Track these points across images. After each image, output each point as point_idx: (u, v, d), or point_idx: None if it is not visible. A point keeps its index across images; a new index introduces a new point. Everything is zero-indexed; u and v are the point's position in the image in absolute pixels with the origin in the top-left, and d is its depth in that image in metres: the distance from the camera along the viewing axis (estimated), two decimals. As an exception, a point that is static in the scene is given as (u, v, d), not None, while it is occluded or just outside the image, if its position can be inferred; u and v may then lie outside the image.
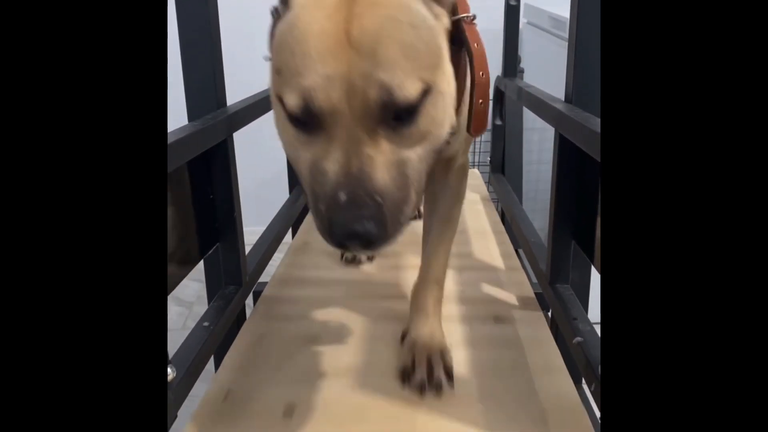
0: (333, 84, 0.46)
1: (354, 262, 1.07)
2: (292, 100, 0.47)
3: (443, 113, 0.52)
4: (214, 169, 0.84)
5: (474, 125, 0.63)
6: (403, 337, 0.79)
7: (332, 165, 0.47)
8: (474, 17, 0.64)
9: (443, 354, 0.74)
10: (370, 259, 1.07)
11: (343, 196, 0.45)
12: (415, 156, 0.50)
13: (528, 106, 1.10)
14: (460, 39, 0.60)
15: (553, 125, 0.87)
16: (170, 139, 0.67)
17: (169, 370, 0.58)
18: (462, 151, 0.75)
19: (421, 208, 0.86)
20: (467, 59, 0.61)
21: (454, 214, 0.79)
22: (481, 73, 0.61)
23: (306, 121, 0.48)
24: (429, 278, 0.78)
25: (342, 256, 1.06)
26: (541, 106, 0.95)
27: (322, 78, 0.46)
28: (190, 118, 0.84)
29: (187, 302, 2.05)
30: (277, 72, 0.49)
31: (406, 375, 0.73)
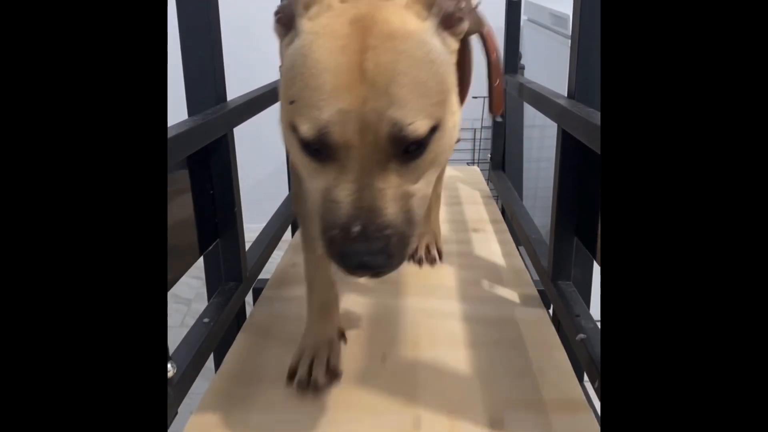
0: (347, 119, 0.47)
1: (310, 386, 0.73)
2: (308, 132, 0.48)
3: (447, 144, 0.53)
4: (214, 164, 0.83)
5: (496, 104, 0.66)
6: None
7: (345, 196, 0.48)
8: (477, 4, 0.64)
9: (437, 240, 0.95)
10: (332, 380, 0.75)
11: (356, 228, 0.47)
12: (419, 189, 0.52)
13: (529, 102, 1.09)
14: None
15: (555, 121, 0.87)
16: (170, 134, 0.67)
17: (169, 366, 0.58)
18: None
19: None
20: (470, 49, 0.61)
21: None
22: (494, 54, 0.62)
23: (320, 151, 0.49)
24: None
25: (292, 379, 0.74)
26: (543, 102, 0.95)
27: (337, 113, 0.47)
28: (190, 113, 0.84)
29: (186, 299, 2.05)
30: (290, 102, 0.50)
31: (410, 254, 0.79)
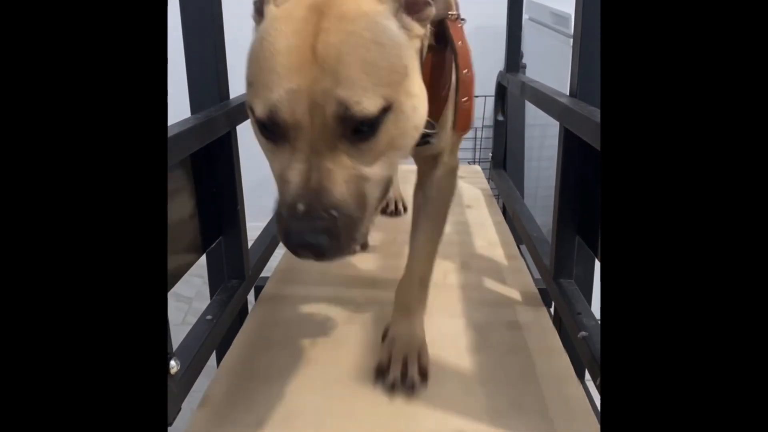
0: (297, 99, 0.47)
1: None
2: (260, 112, 0.49)
3: (405, 130, 0.53)
4: (217, 162, 0.83)
5: (459, 123, 0.64)
6: (385, 334, 0.78)
7: (294, 176, 0.49)
8: (458, 16, 0.64)
9: (420, 354, 0.73)
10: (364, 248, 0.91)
11: (300, 207, 0.47)
12: (375, 172, 0.51)
13: (531, 100, 1.10)
14: (445, 38, 0.61)
15: (557, 119, 0.87)
16: (173, 132, 0.67)
17: (172, 362, 0.58)
18: (450, 150, 0.75)
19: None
20: (453, 57, 0.61)
21: (442, 214, 0.79)
22: (465, 70, 0.63)
23: (273, 132, 0.50)
24: (413, 277, 0.78)
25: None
26: (545, 101, 0.95)
27: (286, 93, 0.47)
28: (192, 111, 0.84)
29: (187, 297, 2.05)
30: (249, 84, 0.52)
31: (380, 372, 0.72)
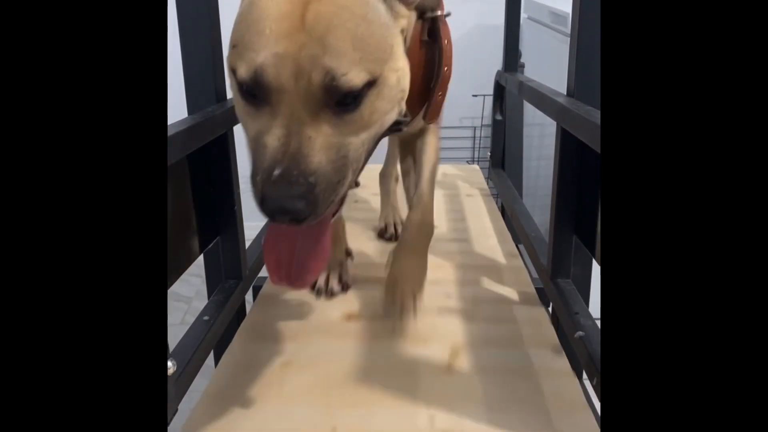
0: (283, 63, 0.48)
1: (327, 293, 0.95)
2: (244, 73, 0.49)
3: (387, 104, 0.54)
4: (214, 162, 0.83)
5: (431, 114, 0.68)
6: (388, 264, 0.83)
7: (273, 140, 0.49)
8: (449, 14, 0.68)
9: (415, 289, 0.80)
10: (345, 289, 0.96)
11: (277, 172, 0.47)
12: (354, 143, 0.52)
13: (529, 100, 1.09)
14: (435, 34, 0.64)
15: (554, 119, 0.87)
16: (170, 132, 0.67)
17: (169, 363, 0.58)
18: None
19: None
20: (440, 53, 0.65)
21: (434, 158, 0.84)
22: (446, 68, 0.66)
23: (255, 95, 0.50)
24: (416, 217, 0.82)
25: (314, 288, 0.94)
26: (543, 100, 0.95)
27: (273, 56, 0.48)
28: (189, 112, 0.84)
29: (186, 297, 2.05)
30: (233, 45, 0.52)
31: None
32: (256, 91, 0.50)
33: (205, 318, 0.76)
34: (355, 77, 0.49)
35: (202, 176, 0.81)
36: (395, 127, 0.61)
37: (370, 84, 0.50)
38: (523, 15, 1.64)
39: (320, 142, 0.49)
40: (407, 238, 0.82)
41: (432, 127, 0.82)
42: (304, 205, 0.47)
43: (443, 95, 0.68)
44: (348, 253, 0.98)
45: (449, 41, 0.66)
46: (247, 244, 0.94)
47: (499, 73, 1.49)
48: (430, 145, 0.83)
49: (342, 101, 0.49)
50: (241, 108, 0.53)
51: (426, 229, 0.83)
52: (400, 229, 1.14)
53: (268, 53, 0.48)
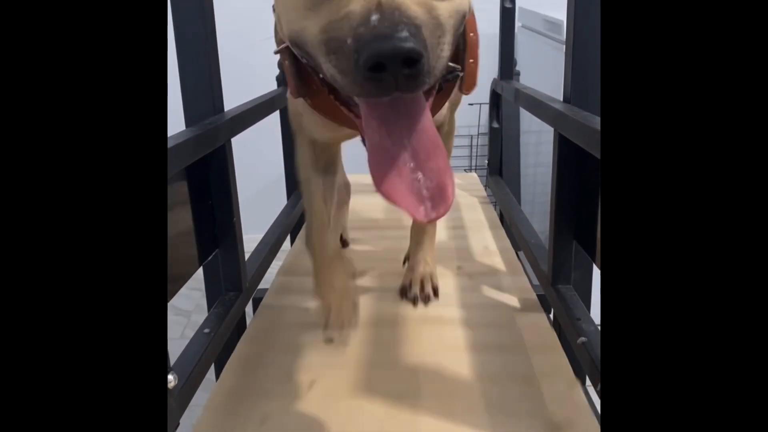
0: None
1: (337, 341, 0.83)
2: None
3: None
4: (213, 174, 0.83)
5: (467, 83, 0.62)
6: (405, 261, 1.02)
7: (358, 4, 0.41)
8: None
9: (432, 277, 0.97)
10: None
11: (375, 17, 0.39)
12: (443, 6, 0.45)
13: (526, 107, 1.10)
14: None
15: (552, 125, 0.87)
16: (168, 145, 0.67)
17: (170, 377, 0.58)
18: (448, 122, 0.85)
19: None
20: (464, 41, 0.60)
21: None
22: (471, 34, 0.59)
23: None
24: None
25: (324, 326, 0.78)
26: (540, 107, 0.95)
27: None
28: (187, 124, 0.84)
29: (185, 311, 2.04)
30: None
31: (404, 292, 0.97)
32: None
33: (206, 331, 0.76)
34: None
35: (200, 189, 0.81)
36: (451, 73, 0.55)
37: None
38: (517, 24, 1.65)
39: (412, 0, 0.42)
40: (416, 236, 0.96)
41: (451, 129, 0.88)
42: (416, 41, 0.39)
43: (475, 63, 0.61)
44: (352, 275, 0.99)
45: (476, 33, 0.61)
46: (247, 256, 0.94)
47: (494, 82, 1.50)
48: (448, 140, 0.89)
49: None
50: (301, 5, 0.46)
51: (431, 229, 0.97)
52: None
53: None
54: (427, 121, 0.47)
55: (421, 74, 0.40)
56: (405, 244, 1.02)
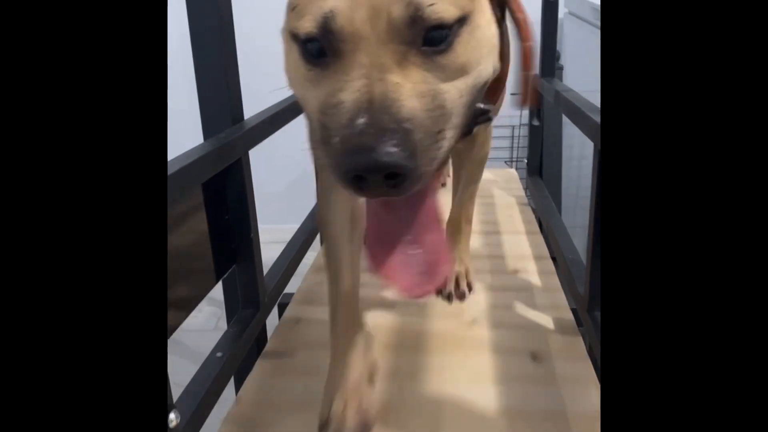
0: (356, 4, 0.40)
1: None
2: (309, 26, 0.41)
3: (484, 49, 0.45)
4: (230, 188, 0.80)
5: (524, 64, 0.58)
6: None
7: (350, 94, 0.40)
8: None
9: (467, 273, 0.97)
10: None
11: (362, 120, 0.38)
12: (453, 89, 0.43)
13: (565, 113, 1.02)
14: (503, 8, 0.54)
15: (590, 138, 0.80)
16: (185, 161, 0.64)
17: (171, 416, 0.55)
18: (483, 140, 0.84)
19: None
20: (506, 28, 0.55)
21: (479, 172, 0.92)
22: (519, 14, 0.54)
23: (322, 52, 0.42)
24: (461, 216, 0.95)
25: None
26: (579, 116, 0.87)
27: (343, 0, 0.40)
28: (205, 135, 0.81)
29: (220, 301, 2.05)
30: (292, 8, 0.44)
31: (439, 289, 0.95)
32: (325, 44, 0.42)
33: (218, 354, 0.74)
34: (444, 10, 0.40)
35: (217, 203, 0.78)
36: (483, 117, 0.51)
37: (461, 22, 0.42)
38: (563, 10, 1.55)
39: (409, 88, 0.40)
40: (451, 235, 0.95)
41: (486, 152, 0.87)
42: (401, 152, 0.37)
43: (530, 44, 0.57)
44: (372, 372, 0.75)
45: (524, 14, 0.56)
46: (265, 270, 0.91)
47: (534, 78, 1.41)
48: (481, 164, 0.89)
49: (430, 41, 0.41)
50: (302, 77, 0.45)
51: (467, 226, 0.98)
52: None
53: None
54: (428, 197, 0.47)
55: (407, 183, 0.39)
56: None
